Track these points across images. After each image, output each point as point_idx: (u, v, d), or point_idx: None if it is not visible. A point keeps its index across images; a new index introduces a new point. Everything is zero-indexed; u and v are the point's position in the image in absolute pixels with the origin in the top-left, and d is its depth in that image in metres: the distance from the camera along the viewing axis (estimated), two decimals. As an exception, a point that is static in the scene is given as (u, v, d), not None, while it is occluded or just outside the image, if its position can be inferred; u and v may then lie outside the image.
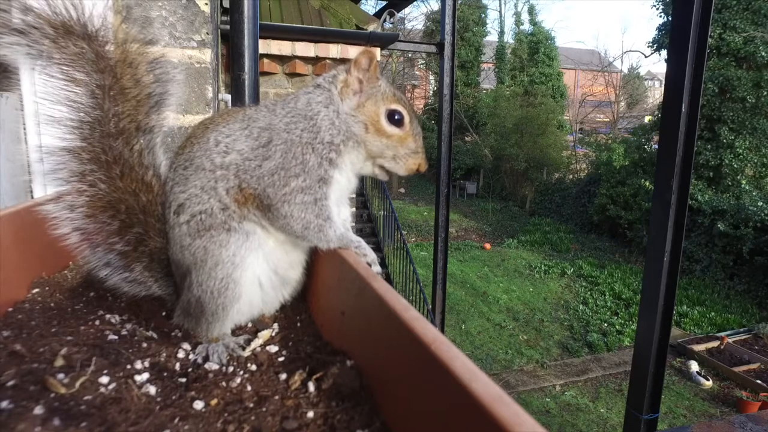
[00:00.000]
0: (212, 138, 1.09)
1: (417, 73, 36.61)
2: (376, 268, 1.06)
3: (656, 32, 19.59)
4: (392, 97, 1.14)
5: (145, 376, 0.86)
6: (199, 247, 1.04)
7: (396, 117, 1.12)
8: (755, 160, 15.92)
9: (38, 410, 0.71)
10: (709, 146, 15.90)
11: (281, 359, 0.97)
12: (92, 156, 1.11)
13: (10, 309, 1.10)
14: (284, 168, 1.04)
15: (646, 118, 24.91)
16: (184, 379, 0.88)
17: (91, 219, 1.11)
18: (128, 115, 1.14)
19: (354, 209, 7.23)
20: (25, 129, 2.15)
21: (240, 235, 1.05)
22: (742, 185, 15.59)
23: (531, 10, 29.92)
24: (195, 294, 1.03)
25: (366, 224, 11.63)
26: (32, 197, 2.17)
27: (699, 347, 11.32)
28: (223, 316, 1.03)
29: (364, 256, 1.08)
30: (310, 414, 0.76)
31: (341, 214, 1.18)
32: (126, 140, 1.14)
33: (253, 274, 1.07)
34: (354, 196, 6.60)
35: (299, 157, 1.05)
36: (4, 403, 0.71)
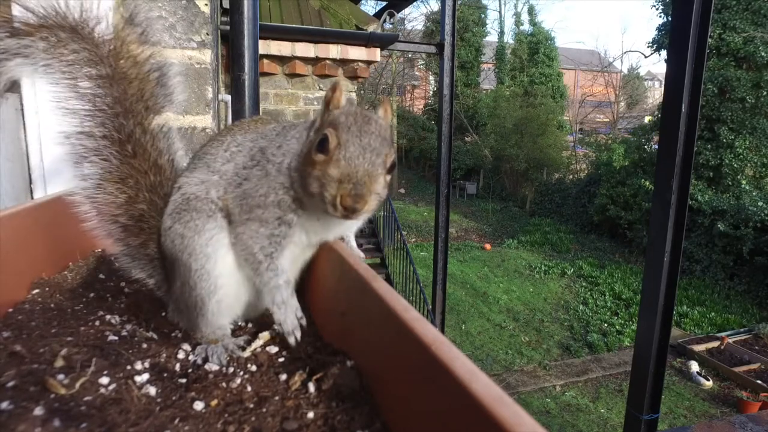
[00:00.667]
0: (227, 142, 1.12)
1: (417, 73, 36.64)
2: (291, 339, 0.95)
3: (656, 32, 19.62)
4: (332, 120, 0.95)
5: (145, 376, 0.86)
6: (177, 233, 1.05)
7: (325, 142, 0.92)
8: (755, 160, 15.94)
9: (38, 411, 0.71)
10: (709, 146, 15.91)
11: (281, 360, 0.97)
12: (105, 134, 1.16)
13: (10, 310, 1.10)
14: (252, 195, 1.02)
15: (646, 119, 24.93)
16: (184, 380, 0.88)
17: (101, 189, 1.16)
18: (134, 94, 1.20)
19: (354, 210, 7.20)
20: (25, 129, 2.15)
21: (216, 224, 1.04)
22: (742, 185, 15.59)
23: (531, 11, 29.97)
24: (177, 284, 1.06)
25: (366, 225, 11.63)
26: (32, 198, 2.17)
27: (699, 347, 11.32)
28: (204, 308, 1.03)
29: (279, 324, 0.97)
30: (311, 414, 0.76)
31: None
32: (137, 120, 1.19)
33: (227, 265, 1.05)
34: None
35: (264, 190, 1.01)
36: (4, 404, 0.71)
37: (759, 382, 9.78)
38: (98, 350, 0.93)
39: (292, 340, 0.95)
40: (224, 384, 0.87)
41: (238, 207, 1.03)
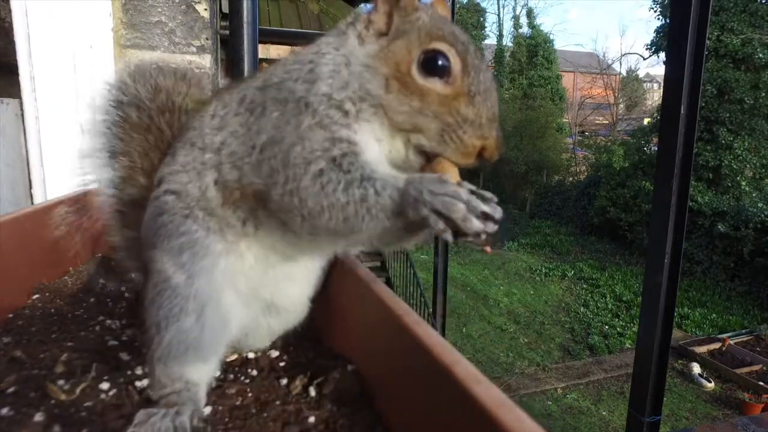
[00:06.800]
0: (212, 107, 0.86)
1: (416, 76, 36.69)
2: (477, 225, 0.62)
3: (654, 35, 19.72)
4: (436, 32, 0.73)
5: (146, 381, 0.85)
6: (148, 240, 0.85)
7: (439, 62, 0.71)
8: (755, 161, 15.96)
9: (39, 417, 0.71)
10: (708, 147, 15.93)
11: (282, 364, 0.97)
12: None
13: (11, 315, 1.10)
14: (276, 141, 0.73)
15: (645, 120, 24.97)
16: (184, 385, 0.88)
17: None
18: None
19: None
20: (25, 135, 2.16)
21: (196, 226, 0.81)
22: (742, 186, 15.60)
23: (529, 14, 30.07)
24: (145, 301, 0.82)
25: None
26: (32, 203, 2.17)
27: (701, 349, 11.29)
28: (166, 334, 0.76)
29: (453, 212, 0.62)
30: (312, 419, 0.76)
31: None
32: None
33: (213, 286, 0.79)
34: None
35: (290, 120, 0.73)
36: (5, 410, 0.71)
37: (761, 383, 9.75)
38: (98, 355, 0.93)
39: (479, 226, 0.62)
40: (225, 389, 0.86)
41: (269, 176, 0.73)
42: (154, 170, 0.97)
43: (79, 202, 1.17)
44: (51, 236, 1.21)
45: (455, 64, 0.72)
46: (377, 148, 0.75)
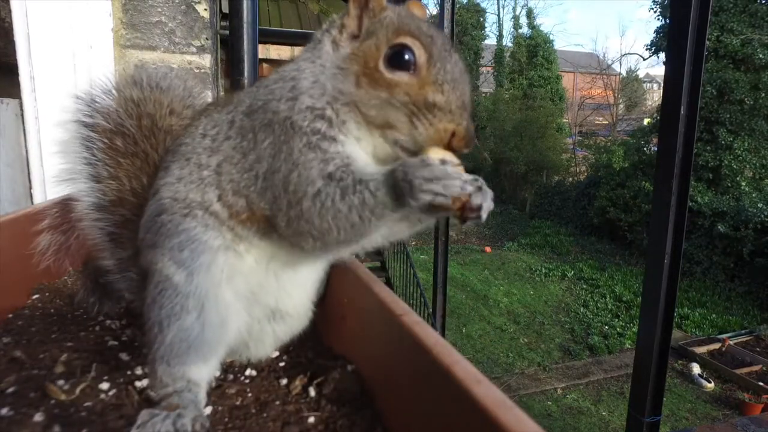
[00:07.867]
0: (201, 126, 0.87)
1: (416, 76, 36.61)
2: (482, 201, 0.64)
3: (654, 35, 19.74)
4: (402, 28, 0.76)
5: (146, 381, 0.85)
6: (148, 243, 0.84)
7: (405, 56, 0.74)
8: (754, 162, 15.96)
9: (38, 417, 0.71)
10: (708, 148, 15.93)
11: (282, 364, 0.97)
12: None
13: (10, 315, 1.10)
14: (274, 171, 0.75)
15: (645, 120, 24.96)
16: (184, 385, 0.88)
17: (93, 184, 1.06)
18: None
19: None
20: (25, 135, 2.16)
21: (196, 223, 0.81)
22: (742, 187, 15.60)
23: (529, 14, 30.07)
24: (146, 302, 0.81)
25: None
26: (32, 203, 2.17)
27: (700, 349, 11.29)
28: (168, 333, 0.77)
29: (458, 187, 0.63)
30: (311, 419, 0.76)
31: None
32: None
33: (211, 282, 0.79)
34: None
35: (282, 147, 0.74)
36: (4, 410, 0.71)
37: (761, 383, 9.75)
38: (98, 355, 0.93)
39: (483, 203, 0.64)
40: (225, 389, 0.86)
41: (268, 200, 0.76)
42: (144, 190, 0.99)
43: (66, 213, 1.13)
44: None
45: (420, 56, 0.75)
46: (358, 147, 0.77)
